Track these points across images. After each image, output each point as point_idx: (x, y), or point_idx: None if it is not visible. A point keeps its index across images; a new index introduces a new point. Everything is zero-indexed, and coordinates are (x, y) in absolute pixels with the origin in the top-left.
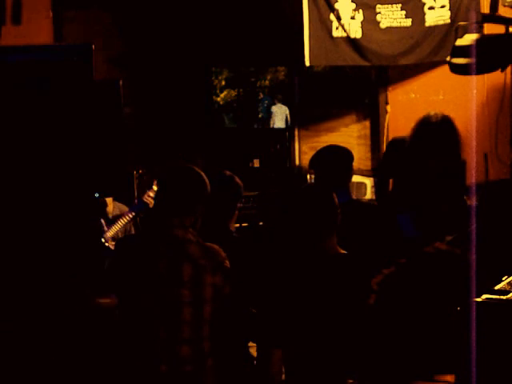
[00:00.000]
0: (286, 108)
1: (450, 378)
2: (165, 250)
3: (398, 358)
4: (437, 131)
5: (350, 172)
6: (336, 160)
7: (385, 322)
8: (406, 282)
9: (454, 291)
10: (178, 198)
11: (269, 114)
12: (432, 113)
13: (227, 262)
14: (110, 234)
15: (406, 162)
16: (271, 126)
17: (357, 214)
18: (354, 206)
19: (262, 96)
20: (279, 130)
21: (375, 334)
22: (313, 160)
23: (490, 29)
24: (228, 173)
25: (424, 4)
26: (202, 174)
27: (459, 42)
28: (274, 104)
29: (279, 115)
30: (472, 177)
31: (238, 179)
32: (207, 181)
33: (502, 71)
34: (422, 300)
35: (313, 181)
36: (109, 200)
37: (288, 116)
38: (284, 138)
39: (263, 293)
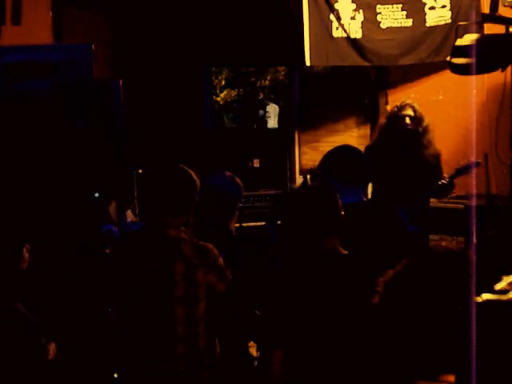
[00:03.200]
0: (277, 107)
1: (452, 378)
2: (158, 249)
3: (402, 357)
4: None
5: (361, 171)
6: (348, 160)
7: (389, 321)
8: (412, 281)
9: (458, 290)
10: (169, 197)
11: (265, 114)
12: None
13: (221, 260)
14: None
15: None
16: (268, 126)
17: (366, 215)
18: (366, 206)
19: (262, 96)
20: (279, 130)
21: (379, 334)
22: (324, 160)
23: (490, 29)
24: (228, 173)
25: (425, 4)
26: (192, 172)
27: (459, 42)
28: (268, 104)
29: (272, 115)
30: (472, 177)
31: (237, 179)
32: (197, 179)
33: (502, 71)
34: (427, 299)
35: (312, 181)
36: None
37: (277, 115)
38: (284, 138)
39: (264, 293)
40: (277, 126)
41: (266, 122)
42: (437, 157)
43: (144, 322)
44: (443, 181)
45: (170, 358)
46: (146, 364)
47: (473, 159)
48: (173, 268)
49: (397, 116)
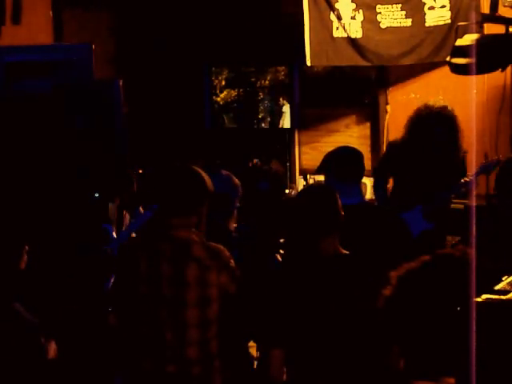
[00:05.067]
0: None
1: (453, 380)
2: (169, 251)
3: (403, 357)
4: (433, 122)
5: (362, 172)
6: (349, 160)
7: (397, 316)
8: (428, 279)
9: (462, 291)
10: (180, 198)
11: (279, 115)
12: (430, 103)
13: (232, 261)
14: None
15: (405, 156)
16: (280, 126)
17: (366, 216)
18: (365, 208)
19: (261, 96)
20: (279, 130)
21: (382, 331)
22: (324, 161)
23: (489, 29)
24: (226, 172)
25: (424, 4)
26: (203, 173)
27: (459, 42)
28: (277, 105)
29: (287, 115)
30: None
31: (235, 179)
32: (208, 180)
33: (502, 71)
34: (440, 299)
35: (312, 182)
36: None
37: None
38: (284, 138)
39: (264, 293)
40: (289, 127)
41: (279, 123)
42: (463, 155)
43: (155, 325)
44: (466, 179)
45: (181, 360)
46: (156, 366)
47: (495, 157)
48: (185, 270)
49: (430, 114)
